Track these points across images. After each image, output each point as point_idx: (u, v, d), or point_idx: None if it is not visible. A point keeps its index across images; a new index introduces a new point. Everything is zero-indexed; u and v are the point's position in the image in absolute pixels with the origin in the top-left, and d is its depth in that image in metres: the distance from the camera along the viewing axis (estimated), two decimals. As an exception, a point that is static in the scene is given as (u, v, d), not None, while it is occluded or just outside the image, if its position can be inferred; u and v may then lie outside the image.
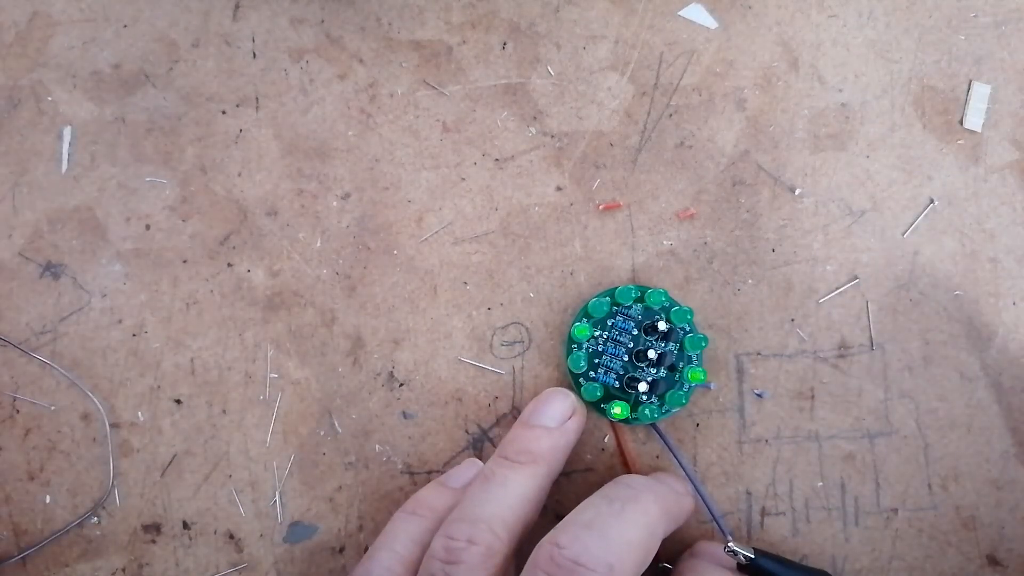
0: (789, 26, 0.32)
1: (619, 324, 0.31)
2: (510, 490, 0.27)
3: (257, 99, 0.32)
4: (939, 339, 0.31)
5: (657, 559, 0.29)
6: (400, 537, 0.28)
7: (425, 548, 0.27)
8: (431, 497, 0.29)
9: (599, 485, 0.28)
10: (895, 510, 0.31)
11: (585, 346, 0.31)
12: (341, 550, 0.31)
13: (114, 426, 0.31)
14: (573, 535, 0.24)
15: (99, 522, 0.31)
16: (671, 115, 0.32)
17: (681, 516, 0.29)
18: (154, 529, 0.31)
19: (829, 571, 0.31)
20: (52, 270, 0.31)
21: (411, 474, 0.31)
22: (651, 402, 0.30)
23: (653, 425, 0.30)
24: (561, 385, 0.31)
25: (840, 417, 0.31)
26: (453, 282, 0.32)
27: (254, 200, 0.32)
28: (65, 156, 0.32)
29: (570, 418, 0.30)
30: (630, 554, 0.25)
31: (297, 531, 0.31)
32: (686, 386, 0.30)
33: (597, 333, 0.31)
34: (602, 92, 0.32)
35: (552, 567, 0.24)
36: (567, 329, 0.31)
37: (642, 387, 0.30)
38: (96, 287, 0.31)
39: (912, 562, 0.31)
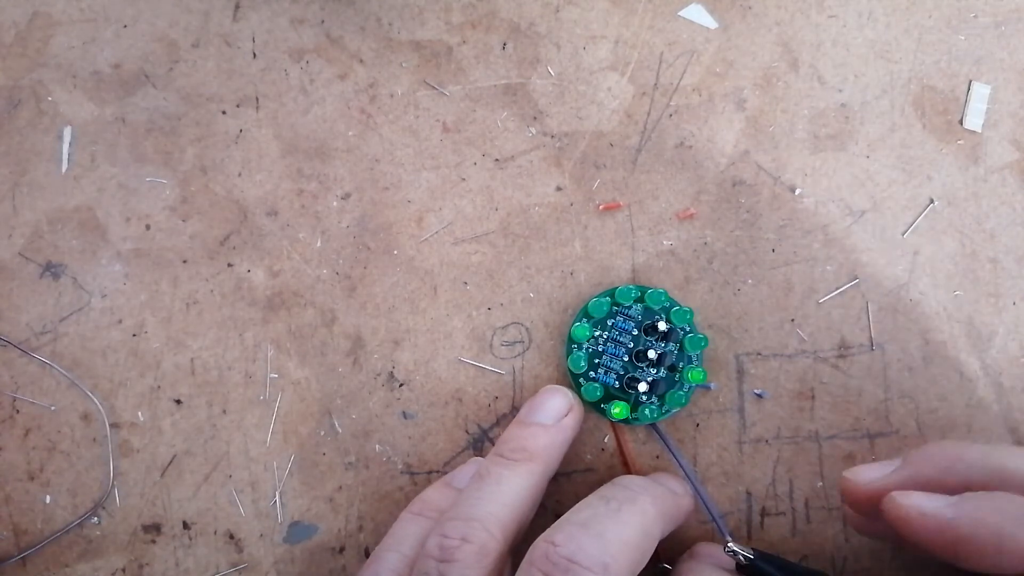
0: (789, 26, 0.32)
1: (619, 324, 0.31)
2: (505, 488, 0.27)
3: (257, 99, 0.32)
4: (939, 339, 0.31)
5: (656, 559, 0.29)
6: (406, 539, 0.28)
7: None
8: (436, 498, 0.29)
9: (599, 485, 0.28)
10: (895, 510, 0.31)
11: (585, 346, 0.31)
12: (341, 550, 0.31)
13: (114, 426, 0.31)
14: (569, 534, 0.24)
15: (99, 522, 0.31)
16: (671, 115, 0.32)
17: (679, 517, 0.29)
18: (154, 529, 0.31)
19: (829, 571, 0.31)
20: (52, 270, 0.32)
21: (411, 474, 0.31)
22: (651, 402, 0.30)
23: (653, 425, 0.30)
24: (561, 385, 0.31)
25: (840, 417, 0.31)
26: (453, 282, 0.32)
27: (254, 200, 0.32)
28: (65, 156, 0.32)
29: (567, 415, 0.30)
30: (626, 554, 0.25)
31: (297, 531, 0.31)
32: (686, 386, 0.30)
33: (597, 333, 0.31)
34: (602, 92, 0.32)
35: (547, 565, 0.24)
36: (567, 329, 0.31)
37: (642, 387, 0.30)
38: (96, 287, 0.31)
39: (912, 562, 0.30)
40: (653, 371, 0.30)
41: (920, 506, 0.24)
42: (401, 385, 0.31)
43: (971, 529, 0.23)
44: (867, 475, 0.26)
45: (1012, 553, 0.23)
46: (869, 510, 0.26)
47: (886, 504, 0.25)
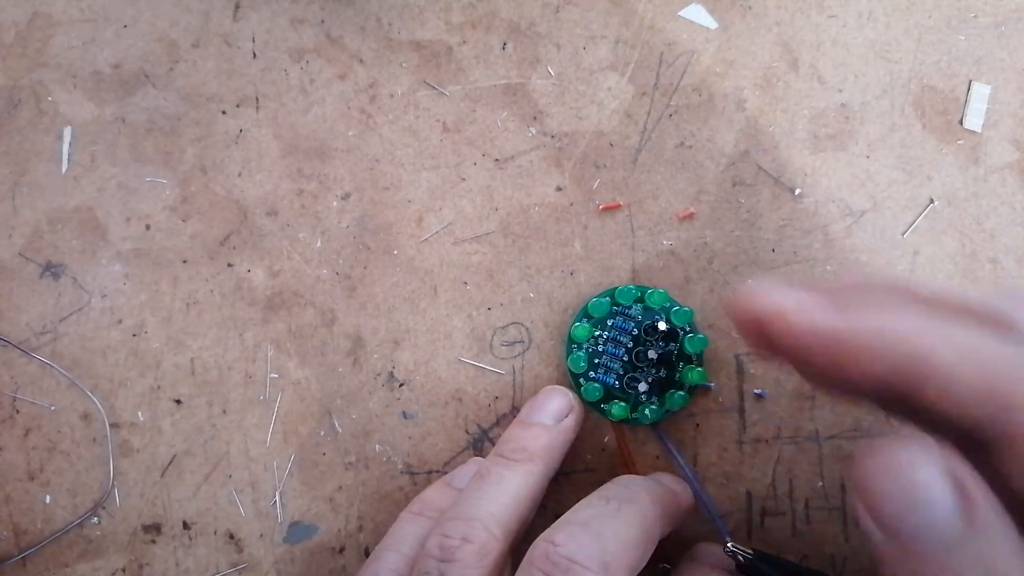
0: (789, 26, 0.32)
1: (619, 324, 0.31)
2: (505, 488, 0.27)
3: (257, 99, 0.32)
4: (939, 339, 0.31)
5: (656, 559, 0.29)
6: (406, 538, 0.28)
7: None
8: (436, 497, 0.29)
9: (599, 485, 0.28)
10: (895, 510, 0.31)
11: (585, 346, 0.31)
12: (341, 550, 0.31)
13: (114, 426, 0.31)
14: (569, 533, 0.25)
15: (99, 522, 0.31)
16: (671, 115, 0.32)
17: (679, 517, 0.29)
18: (154, 529, 0.31)
19: (829, 571, 0.31)
20: (52, 270, 0.32)
21: (411, 474, 0.31)
22: (651, 402, 0.30)
23: (653, 425, 0.30)
24: (561, 385, 0.31)
25: (840, 417, 0.31)
26: (453, 282, 0.32)
27: (254, 200, 0.32)
28: (65, 156, 0.32)
29: (567, 416, 0.30)
30: (625, 553, 0.25)
31: (297, 531, 0.31)
32: (686, 386, 0.30)
33: (597, 333, 0.31)
34: (602, 92, 0.32)
35: (547, 564, 0.24)
36: (567, 329, 0.31)
37: (642, 387, 0.30)
38: (96, 287, 0.31)
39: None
40: (653, 371, 0.30)
41: (811, 317, 0.20)
42: (401, 385, 0.31)
43: (861, 334, 0.20)
44: (763, 296, 0.22)
45: (907, 356, 0.19)
46: (758, 333, 0.22)
47: (774, 320, 0.21)
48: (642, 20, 0.32)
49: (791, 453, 0.31)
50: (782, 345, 0.21)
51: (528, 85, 0.32)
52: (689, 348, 0.30)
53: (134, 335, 0.31)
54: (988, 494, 0.18)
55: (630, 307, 0.31)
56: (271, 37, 0.32)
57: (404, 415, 0.31)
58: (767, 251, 0.31)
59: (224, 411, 0.31)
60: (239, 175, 0.32)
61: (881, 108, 0.32)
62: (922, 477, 0.18)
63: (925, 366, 0.19)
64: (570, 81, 0.32)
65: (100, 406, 0.31)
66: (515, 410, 0.31)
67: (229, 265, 0.32)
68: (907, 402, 0.19)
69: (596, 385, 0.30)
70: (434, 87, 0.32)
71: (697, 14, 0.32)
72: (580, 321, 0.31)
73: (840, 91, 0.32)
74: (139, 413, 0.31)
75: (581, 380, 0.30)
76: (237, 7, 0.32)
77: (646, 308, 0.31)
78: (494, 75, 0.32)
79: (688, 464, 0.31)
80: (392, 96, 0.32)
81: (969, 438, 0.19)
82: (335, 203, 0.32)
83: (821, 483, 0.31)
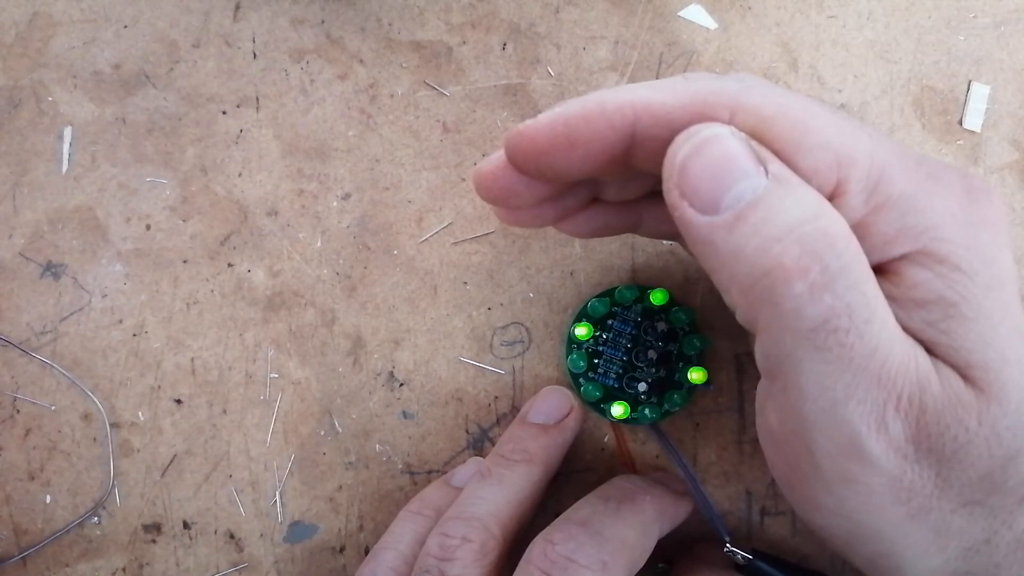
0: (789, 27, 0.32)
1: (618, 324, 0.31)
2: (505, 488, 0.27)
3: (257, 99, 0.32)
4: (939, 339, 0.31)
5: (656, 559, 0.29)
6: (405, 537, 0.28)
7: None
8: (435, 496, 0.29)
9: (599, 485, 0.28)
10: (895, 510, 0.31)
11: (585, 346, 0.31)
12: (341, 550, 0.31)
13: (114, 426, 0.31)
14: (567, 532, 0.25)
15: (99, 522, 0.31)
16: (671, 115, 0.32)
17: (678, 517, 0.29)
18: (154, 529, 0.31)
19: (828, 571, 0.31)
20: (52, 270, 0.32)
21: (411, 474, 0.31)
22: (651, 402, 0.30)
23: (653, 425, 0.30)
24: (561, 385, 0.31)
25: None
26: (453, 282, 0.32)
27: (254, 200, 0.32)
28: (66, 156, 0.32)
29: (567, 416, 0.30)
30: (624, 553, 0.25)
31: (297, 531, 0.31)
32: (686, 386, 0.30)
33: (597, 333, 0.31)
34: (602, 92, 0.32)
35: (546, 563, 0.24)
36: (567, 329, 0.31)
37: (642, 387, 0.30)
38: (96, 287, 0.31)
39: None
40: (653, 371, 0.30)
41: (541, 119, 0.22)
42: (401, 385, 0.31)
43: (587, 105, 0.22)
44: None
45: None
46: (503, 177, 0.24)
47: (515, 142, 0.22)
48: (642, 20, 0.32)
49: (791, 453, 0.31)
50: (526, 154, 0.22)
51: (528, 85, 0.32)
52: (688, 348, 0.30)
53: (134, 335, 0.31)
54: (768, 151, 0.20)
55: (630, 307, 0.31)
56: (271, 37, 0.32)
57: (404, 415, 0.31)
58: (767, 251, 0.31)
59: (224, 411, 0.31)
60: (239, 175, 0.32)
61: (881, 108, 0.32)
62: (731, 147, 0.20)
63: (637, 105, 0.21)
64: (570, 81, 0.32)
65: (100, 406, 0.31)
66: (515, 410, 0.31)
67: (229, 265, 0.32)
68: (626, 159, 0.22)
69: (596, 385, 0.30)
70: (434, 87, 0.32)
71: (697, 14, 0.32)
72: (580, 321, 0.31)
73: (840, 91, 0.32)
74: (139, 413, 0.31)
75: (581, 380, 0.30)
76: (237, 7, 0.32)
77: (646, 308, 0.31)
78: (494, 75, 0.32)
79: (688, 464, 0.31)
80: (392, 96, 0.32)
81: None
82: (335, 203, 0.32)
83: (821, 483, 0.31)
